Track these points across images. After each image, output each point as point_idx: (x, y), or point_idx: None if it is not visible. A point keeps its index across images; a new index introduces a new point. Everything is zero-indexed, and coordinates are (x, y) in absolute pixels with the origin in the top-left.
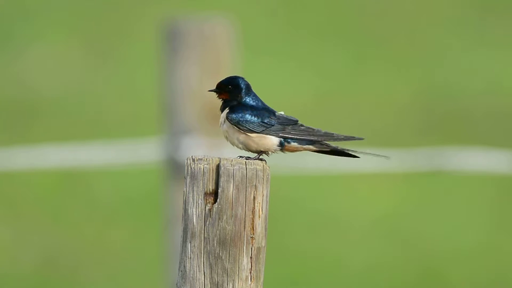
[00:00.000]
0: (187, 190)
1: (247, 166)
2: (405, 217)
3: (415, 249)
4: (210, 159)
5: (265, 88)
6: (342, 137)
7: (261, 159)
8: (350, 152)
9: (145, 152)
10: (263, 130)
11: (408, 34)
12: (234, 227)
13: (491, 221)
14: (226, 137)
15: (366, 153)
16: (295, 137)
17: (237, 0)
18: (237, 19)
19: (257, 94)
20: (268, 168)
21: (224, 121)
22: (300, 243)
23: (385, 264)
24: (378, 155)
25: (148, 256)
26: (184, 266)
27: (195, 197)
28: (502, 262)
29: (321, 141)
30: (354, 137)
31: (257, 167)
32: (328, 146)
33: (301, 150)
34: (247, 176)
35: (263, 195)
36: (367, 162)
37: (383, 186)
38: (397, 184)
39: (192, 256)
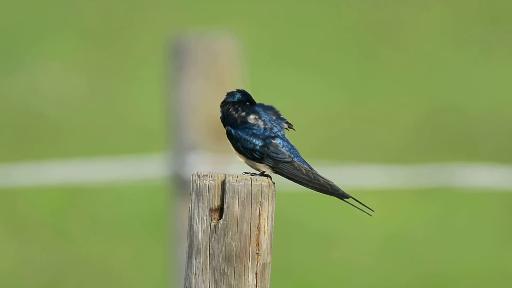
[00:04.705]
0: (193, 206)
1: (252, 182)
2: (411, 235)
3: (421, 267)
4: (216, 175)
5: (270, 103)
6: (337, 193)
7: (266, 175)
8: (343, 198)
9: (151, 168)
10: (251, 159)
11: (414, 51)
12: (239, 243)
13: (497, 238)
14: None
15: (355, 202)
16: (286, 175)
17: (242, 15)
18: (242, 34)
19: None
20: (273, 184)
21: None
22: (305, 261)
23: (389, 283)
24: (365, 206)
25: (153, 272)
26: (190, 282)
27: (201, 213)
28: (508, 280)
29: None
30: (342, 193)
31: (263, 183)
32: (322, 189)
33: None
34: (253, 192)
35: (268, 211)
36: (373, 178)
37: (389, 203)
38: (403, 201)
39: (197, 272)
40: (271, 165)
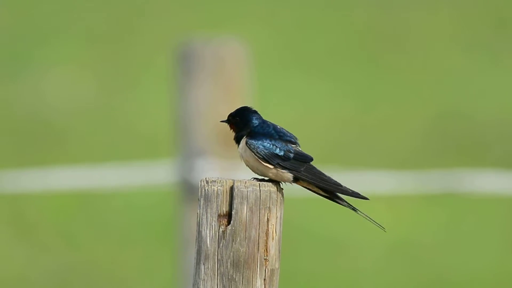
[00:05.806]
0: (201, 212)
1: (260, 188)
2: (419, 241)
3: (429, 273)
4: (224, 181)
5: (278, 110)
6: (350, 191)
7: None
8: (355, 208)
9: (159, 174)
10: (278, 163)
11: (422, 57)
12: (247, 249)
13: (505, 244)
14: (247, 165)
15: (367, 217)
16: (307, 179)
17: (250, 20)
18: (250, 39)
19: (270, 116)
20: (281, 190)
21: (244, 150)
22: (313, 267)
23: None
24: (376, 224)
25: (161, 278)
26: None
27: (209, 219)
28: None
29: (331, 190)
30: (360, 194)
31: (271, 189)
32: (336, 197)
33: (311, 189)
34: (261, 198)
35: (276, 217)
36: (381, 184)
37: (397, 209)
38: (411, 207)
39: (205, 278)
40: (295, 171)
